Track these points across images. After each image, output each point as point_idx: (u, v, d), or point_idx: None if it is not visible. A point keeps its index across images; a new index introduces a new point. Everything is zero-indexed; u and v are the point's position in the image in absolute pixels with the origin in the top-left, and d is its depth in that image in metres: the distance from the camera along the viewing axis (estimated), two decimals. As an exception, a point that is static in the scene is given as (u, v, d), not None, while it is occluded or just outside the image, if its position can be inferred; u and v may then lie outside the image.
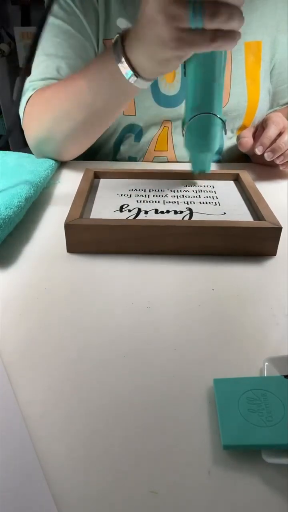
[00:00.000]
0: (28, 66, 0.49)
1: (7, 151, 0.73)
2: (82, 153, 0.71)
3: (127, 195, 0.56)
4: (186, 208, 0.52)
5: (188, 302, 0.40)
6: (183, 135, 0.55)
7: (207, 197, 0.55)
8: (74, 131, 0.63)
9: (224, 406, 0.29)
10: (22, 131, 0.72)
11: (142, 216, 0.50)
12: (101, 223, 0.47)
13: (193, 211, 0.51)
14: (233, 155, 0.78)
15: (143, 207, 0.52)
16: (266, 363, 0.32)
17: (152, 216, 0.50)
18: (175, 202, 0.54)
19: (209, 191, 0.57)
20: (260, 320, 0.38)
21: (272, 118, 0.67)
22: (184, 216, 0.50)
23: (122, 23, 0.67)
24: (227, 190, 0.57)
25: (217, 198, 0.55)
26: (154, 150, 0.76)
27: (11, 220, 0.49)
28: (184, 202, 0.54)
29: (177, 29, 0.43)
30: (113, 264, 0.46)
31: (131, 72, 0.51)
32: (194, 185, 0.59)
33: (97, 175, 0.61)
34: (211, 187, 0.58)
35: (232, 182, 0.60)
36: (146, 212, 0.51)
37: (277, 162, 0.65)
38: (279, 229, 0.46)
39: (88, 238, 0.47)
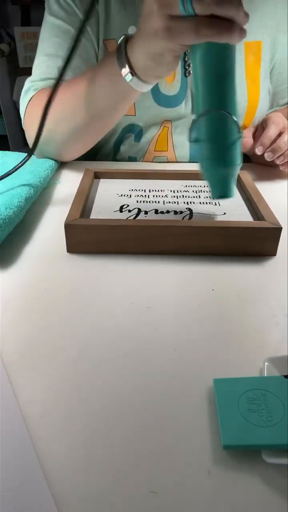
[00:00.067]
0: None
1: (7, 151, 0.73)
2: (83, 153, 0.71)
3: (127, 195, 0.56)
4: (186, 208, 0.52)
5: (188, 302, 0.40)
6: (191, 140, 0.44)
7: (207, 197, 0.55)
8: (75, 133, 0.64)
9: (224, 406, 0.29)
10: (22, 131, 0.72)
11: (142, 216, 0.50)
12: (101, 223, 0.47)
13: (193, 211, 0.51)
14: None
15: (143, 207, 0.52)
16: (266, 363, 0.32)
17: (152, 216, 0.50)
18: (175, 202, 0.54)
19: (209, 191, 0.57)
20: (260, 320, 0.38)
21: (272, 118, 0.67)
22: (184, 216, 0.50)
23: (133, 31, 0.67)
24: (227, 190, 0.57)
25: (217, 198, 0.55)
26: (154, 150, 0.76)
27: (11, 220, 0.49)
28: (184, 202, 0.54)
29: (169, 17, 0.41)
30: (113, 264, 0.46)
31: (130, 73, 0.51)
32: (194, 185, 0.59)
33: (97, 175, 0.61)
34: (211, 187, 0.58)
35: (232, 182, 0.60)
36: (146, 212, 0.51)
37: (277, 162, 0.65)
38: (279, 229, 0.46)
39: (88, 238, 0.47)
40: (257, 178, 0.68)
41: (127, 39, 0.51)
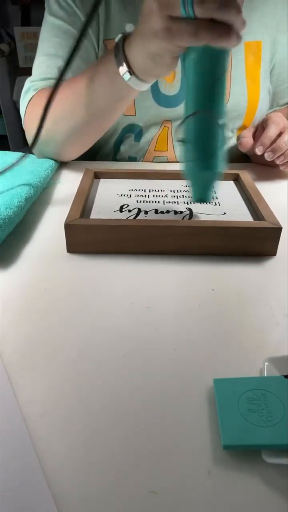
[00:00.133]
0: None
1: (7, 151, 0.73)
2: (82, 153, 0.71)
3: (127, 195, 0.56)
4: (186, 208, 0.52)
5: (188, 302, 0.40)
6: (178, 140, 0.45)
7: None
8: (74, 133, 0.64)
9: (224, 406, 0.29)
10: (22, 131, 0.72)
11: (142, 216, 0.50)
12: (101, 223, 0.47)
13: (193, 211, 0.51)
14: (233, 155, 0.78)
15: (143, 207, 0.52)
16: (266, 363, 0.32)
17: (152, 216, 0.50)
18: (175, 202, 0.54)
19: (190, 193, 0.57)
20: (260, 320, 0.38)
21: (272, 118, 0.67)
22: (184, 216, 0.50)
23: (131, 29, 0.67)
24: (227, 190, 0.57)
25: (217, 198, 0.55)
26: (154, 150, 0.76)
27: (11, 220, 0.49)
28: (184, 202, 0.54)
29: (169, 18, 0.41)
30: (113, 264, 0.46)
31: (128, 72, 0.51)
32: None
33: (97, 175, 0.61)
34: (211, 187, 0.58)
35: (232, 182, 0.60)
36: (146, 212, 0.51)
37: (277, 162, 0.65)
38: (279, 229, 0.46)
39: (88, 238, 0.47)
40: (257, 178, 0.68)
41: (125, 37, 0.51)
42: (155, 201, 0.54)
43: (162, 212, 0.51)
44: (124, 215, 0.50)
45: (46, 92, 0.66)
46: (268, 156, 0.64)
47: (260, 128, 0.68)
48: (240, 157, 0.77)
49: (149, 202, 0.54)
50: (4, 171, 0.58)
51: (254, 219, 0.50)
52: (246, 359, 0.34)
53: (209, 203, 0.53)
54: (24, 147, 0.68)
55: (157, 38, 0.43)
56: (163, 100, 0.71)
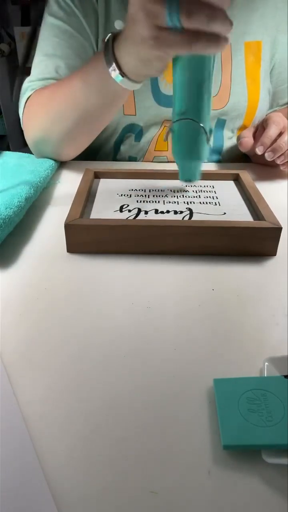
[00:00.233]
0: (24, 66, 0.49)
1: (7, 151, 0.73)
2: (82, 153, 0.71)
3: (127, 195, 0.56)
4: (186, 208, 0.52)
5: (188, 302, 0.40)
6: (165, 140, 0.51)
7: (207, 197, 0.55)
8: (69, 132, 0.63)
9: (224, 406, 0.29)
10: (22, 131, 0.72)
11: (142, 216, 0.50)
12: (101, 223, 0.47)
13: (193, 211, 0.51)
14: (233, 155, 0.78)
15: (143, 207, 0.52)
16: (266, 363, 0.32)
17: (152, 216, 0.50)
18: (175, 202, 0.54)
19: (209, 191, 0.57)
20: (260, 320, 0.38)
21: (272, 118, 0.67)
22: (184, 216, 0.50)
23: (119, 25, 0.67)
24: (227, 190, 0.57)
25: (217, 198, 0.55)
26: (154, 150, 0.76)
27: (11, 220, 0.49)
28: (184, 202, 0.54)
29: (156, 27, 0.41)
30: (113, 264, 0.46)
31: (117, 72, 0.51)
32: (194, 185, 0.59)
33: (97, 175, 0.61)
34: (211, 187, 0.58)
35: (232, 182, 0.60)
36: (146, 212, 0.51)
37: (278, 162, 0.65)
38: (279, 229, 0.46)
39: (88, 238, 0.47)
40: (257, 178, 0.68)
41: (115, 36, 0.50)
42: (155, 201, 0.54)
43: (162, 212, 0.51)
44: (124, 215, 0.50)
45: (42, 93, 0.66)
46: (268, 156, 0.64)
47: (260, 128, 0.68)
48: (240, 157, 0.77)
49: (149, 202, 0.54)
50: None
51: (254, 219, 0.50)
52: (246, 359, 0.34)
53: (202, 201, 0.54)
54: (24, 147, 0.68)
55: (145, 45, 0.44)
56: (163, 100, 0.71)
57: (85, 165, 0.65)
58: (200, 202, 0.54)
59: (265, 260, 0.47)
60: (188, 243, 0.47)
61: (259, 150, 0.64)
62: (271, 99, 0.79)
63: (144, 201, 0.54)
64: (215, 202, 0.54)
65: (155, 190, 0.57)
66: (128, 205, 0.52)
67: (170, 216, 0.50)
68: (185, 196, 0.55)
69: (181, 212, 0.51)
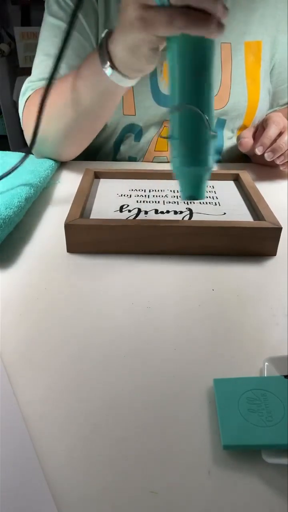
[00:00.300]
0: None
1: (7, 151, 0.73)
2: (82, 153, 0.71)
3: (127, 195, 0.56)
4: (186, 208, 0.52)
5: (188, 302, 0.40)
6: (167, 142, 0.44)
7: (207, 197, 0.55)
8: (67, 131, 0.63)
9: (224, 406, 0.29)
10: (22, 131, 0.72)
11: (142, 216, 0.50)
12: (101, 223, 0.47)
13: (193, 211, 0.51)
14: (233, 155, 0.78)
15: (143, 207, 0.52)
16: (266, 363, 0.32)
17: (152, 216, 0.50)
18: (175, 202, 0.54)
19: (209, 191, 0.57)
20: (260, 320, 0.38)
21: (272, 118, 0.67)
22: (184, 216, 0.50)
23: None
24: (227, 190, 0.57)
25: (217, 198, 0.55)
26: (154, 150, 0.76)
27: (11, 220, 0.49)
28: (184, 202, 0.54)
29: (144, 7, 0.40)
30: (113, 264, 0.46)
31: (110, 67, 0.50)
32: None
33: (97, 175, 0.61)
34: (211, 187, 0.58)
35: (232, 182, 0.60)
36: (146, 212, 0.51)
37: (278, 162, 0.65)
38: (279, 229, 0.46)
39: (88, 238, 0.47)
40: (257, 178, 0.68)
41: (110, 33, 0.50)
42: (155, 201, 0.54)
43: (162, 212, 0.51)
44: (124, 215, 0.50)
45: (41, 92, 0.66)
46: (268, 156, 0.64)
47: (260, 128, 0.68)
48: (240, 157, 0.77)
49: (149, 202, 0.54)
50: (7, 174, 0.58)
51: (254, 219, 0.50)
52: (246, 359, 0.34)
53: (202, 201, 0.52)
54: (24, 147, 0.69)
55: (133, 28, 0.42)
56: (163, 100, 0.71)
57: (85, 165, 0.65)
58: (200, 202, 0.54)
59: (265, 260, 0.47)
60: (188, 243, 0.47)
61: (258, 150, 0.64)
62: (271, 99, 0.79)
63: (144, 201, 0.54)
64: (215, 202, 0.54)
65: (155, 190, 0.57)
66: (128, 205, 0.52)
67: (170, 216, 0.50)
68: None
69: (181, 212, 0.51)
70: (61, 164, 0.71)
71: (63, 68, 0.68)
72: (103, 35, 0.51)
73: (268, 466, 0.26)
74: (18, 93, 0.73)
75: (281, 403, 0.29)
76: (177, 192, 0.56)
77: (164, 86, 0.70)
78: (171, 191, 0.57)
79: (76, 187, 0.55)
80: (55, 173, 0.68)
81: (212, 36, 0.38)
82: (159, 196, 0.55)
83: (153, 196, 0.55)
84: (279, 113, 0.72)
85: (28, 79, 0.72)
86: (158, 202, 0.54)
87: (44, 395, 0.31)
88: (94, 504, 0.24)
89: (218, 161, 0.79)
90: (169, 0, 0.38)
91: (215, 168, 0.73)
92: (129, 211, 0.51)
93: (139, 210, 0.51)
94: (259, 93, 0.74)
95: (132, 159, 0.78)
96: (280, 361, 0.32)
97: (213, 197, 0.55)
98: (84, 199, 0.52)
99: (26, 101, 0.69)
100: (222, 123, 0.75)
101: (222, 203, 0.54)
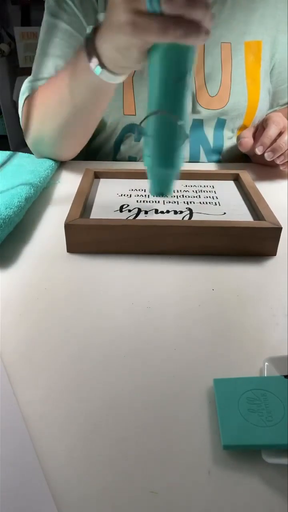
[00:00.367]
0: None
1: (7, 151, 0.73)
2: (82, 153, 0.71)
3: (127, 195, 0.56)
4: (186, 208, 0.52)
5: (188, 302, 0.40)
6: (135, 140, 0.44)
7: (207, 197, 0.55)
8: (61, 130, 0.63)
9: (224, 406, 0.29)
10: (22, 131, 0.72)
11: (142, 216, 0.50)
12: (101, 223, 0.47)
13: (193, 211, 0.51)
14: (233, 155, 0.78)
15: (143, 207, 0.52)
16: (266, 363, 0.32)
17: (152, 216, 0.50)
18: (175, 202, 0.54)
19: (209, 191, 0.57)
20: (260, 320, 0.38)
21: (272, 117, 0.67)
22: (184, 216, 0.50)
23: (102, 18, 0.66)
24: (227, 190, 0.57)
25: (217, 198, 0.55)
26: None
27: (11, 220, 0.49)
28: (184, 202, 0.54)
29: (134, 12, 0.39)
30: (113, 264, 0.46)
31: (97, 63, 0.49)
32: (194, 185, 0.59)
33: (97, 175, 0.61)
34: (211, 187, 0.58)
35: (232, 182, 0.60)
36: (146, 212, 0.51)
37: (278, 162, 0.65)
38: (279, 229, 0.46)
39: (88, 238, 0.47)
40: (257, 178, 0.68)
41: (96, 29, 0.49)
42: (155, 201, 0.54)
43: (162, 212, 0.51)
44: (124, 215, 0.50)
45: (37, 92, 0.66)
46: (268, 156, 0.64)
47: (260, 128, 0.68)
48: (240, 157, 0.77)
49: (149, 202, 0.54)
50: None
51: (254, 219, 0.50)
52: (246, 359, 0.34)
53: (202, 201, 0.52)
54: (24, 147, 0.68)
55: (122, 32, 0.41)
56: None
57: (85, 165, 0.65)
58: (200, 202, 0.54)
59: (265, 260, 0.47)
60: (188, 243, 0.47)
61: (258, 150, 0.64)
62: (271, 99, 0.79)
63: (144, 201, 0.54)
64: (215, 202, 0.54)
65: (155, 190, 0.57)
66: (128, 205, 0.52)
67: (170, 216, 0.50)
68: (185, 196, 0.55)
69: (181, 212, 0.51)
70: (61, 164, 0.71)
71: (62, 67, 0.68)
72: (88, 31, 0.49)
73: (268, 466, 0.26)
74: (18, 93, 0.73)
75: (281, 403, 0.29)
76: (177, 192, 0.56)
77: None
78: (171, 191, 0.57)
79: (76, 187, 0.55)
80: (55, 173, 0.68)
81: (200, 43, 0.39)
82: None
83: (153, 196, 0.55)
84: (279, 113, 0.72)
85: (28, 79, 0.72)
86: (158, 202, 0.54)
87: (44, 395, 0.31)
88: (94, 504, 0.24)
89: (218, 161, 0.79)
90: (160, 7, 0.37)
91: (215, 168, 0.73)
92: (129, 211, 0.51)
93: (139, 210, 0.51)
94: (259, 93, 0.74)
95: (132, 159, 0.78)
96: (280, 361, 0.32)
97: (213, 197, 0.55)
98: (84, 199, 0.52)
99: (25, 101, 0.70)
100: (222, 123, 0.75)
101: (222, 203, 0.54)
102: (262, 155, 0.65)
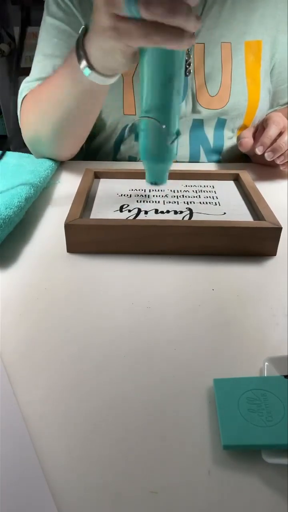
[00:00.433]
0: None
1: (7, 151, 0.73)
2: (82, 153, 0.71)
3: (127, 195, 0.56)
4: (186, 208, 0.52)
5: (188, 302, 0.40)
6: (126, 136, 0.47)
7: (207, 197, 0.55)
8: (57, 130, 0.63)
9: (224, 406, 0.29)
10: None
11: (142, 216, 0.50)
12: (101, 223, 0.47)
13: (193, 211, 0.51)
14: (233, 155, 0.78)
15: (143, 207, 0.52)
16: (266, 363, 0.32)
17: (152, 216, 0.50)
18: (175, 202, 0.54)
19: (209, 191, 0.57)
20: (260, 320, 0.38)
21: (272, 117, 0.67)
22: (184, 216, 0.50)
23: None
24: (227, 190, 0.57)
25: (217, 198, 0.55)
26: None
27: (11, 220, 0.49)
28: (184, 202, 0.54)
29: (115, 17, 0.39)
30: (113, 264, 0.46)
31: (86, 64, 0.49)
32: (194, 185, 0.59)
33: (97, 175, 0.61)
34: (211, 187, 0.58)
35: (232, 182, 0.60)
36: (146, 212, 0.51)
37: (278, 162, 0.65)
38: (279, 229, 0.46)
39: (88, 238, 0.47)
40: (257, 178, 0.68)
41: (86, 30, 0.49)
42: (155, 201, 0.54)
43: (162, 212, 0.51)
44: (124, 215, 0.50)
45: (33, 92, 0.66)
46: (268, 156, 0.64)
47: (260, 128, 0.68)
48: (240, 157, 0.77)
49: (149, 202, 0.54)
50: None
51: (254, 219, 0.50)
52: (246, 359, 0.34)
53: (202, 201, 0.53)
54: (24, 147, 0.68)
55: (105, 36, 0.42)
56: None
57: (85, 165, 0.65)
58: (200, 202, 0.54)
59: (265, 260, 0.47)
60: (188, 243, 0.47)
61: (259, 150, 0.64)
62: (272, 99, 0.79)
63: (144, 201, 0.54)
64: (215, 202, 0.54)
65: (155, 190, 0.57)
66: (128, 205, 0.52)
67: (170, 216, 0.50)
68: (185, 196, 0.55)
69: (181, 212, 0.51)
70: (61, 164, 0.71)
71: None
72: (79, 32, 0.50)
73: (268, 466, 0.26)
74: (16, 93, 0.73)
75: (281, 403, 0.29)
76: (177, 192, 0.56)
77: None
78: (171, 191, 0.57)
79: (76, 187, 0.55)
80: (55, 173, 0.68)
81: (184, 48, 0.38)
82: (159, 196, 0.55)
83: (153, 196, 0.55)
84: (279, 113, 0.71)
85: (26, 79, 0.72)
86: (158, 202, 0.54)
87: (44, 395, 0.31)
88: (94, 504, 0.24)
89: (218, 161, 0.79)
90: (139, 12, 0.37)
91: (215, 168, 0.73)
92: (129, 211, 0.51)
93: (139, 210, 0.51)
94: (259, 92, 0.74)
95: (132, 159, 0.78)
96: (280, 361, 0.32)
97: (213, 197, 0.55)
98: (84, 199, 0.52)
99: (22, 101, 0.70)
100: (222, 123, 0.75)
101: (222, 203, 0.54)
102: (262, 155, 0.65)
